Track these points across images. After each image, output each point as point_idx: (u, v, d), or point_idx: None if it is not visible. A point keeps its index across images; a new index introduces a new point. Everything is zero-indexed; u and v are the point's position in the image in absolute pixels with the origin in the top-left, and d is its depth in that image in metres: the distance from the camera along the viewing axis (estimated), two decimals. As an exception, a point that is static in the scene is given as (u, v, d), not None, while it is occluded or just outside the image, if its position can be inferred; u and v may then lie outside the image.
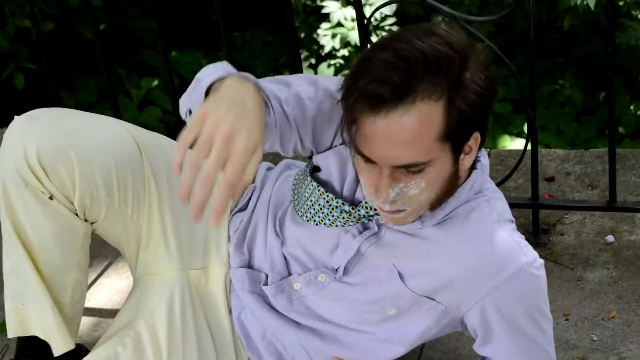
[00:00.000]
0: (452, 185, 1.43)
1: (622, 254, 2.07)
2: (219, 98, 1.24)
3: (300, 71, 2.11)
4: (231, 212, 1.73)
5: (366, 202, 1.52)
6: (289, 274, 1.66)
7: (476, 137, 1.38)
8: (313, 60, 4.95)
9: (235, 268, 1.69)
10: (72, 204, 1.58)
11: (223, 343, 1.70)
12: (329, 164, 1.57)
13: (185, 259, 1.68)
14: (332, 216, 1.56)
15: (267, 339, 1.71)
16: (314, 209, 1.57)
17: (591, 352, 1.83)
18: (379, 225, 1.55)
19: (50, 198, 1.56)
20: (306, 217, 1.60)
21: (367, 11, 2.13)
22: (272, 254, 1.68)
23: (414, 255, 1.53)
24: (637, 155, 2.42)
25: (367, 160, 1.35)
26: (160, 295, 1.65)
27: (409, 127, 1.27)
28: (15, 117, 1.59)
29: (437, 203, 1.44)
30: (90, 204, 1.59)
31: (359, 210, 1.53)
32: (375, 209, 1.50)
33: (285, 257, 1.67)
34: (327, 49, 4.70)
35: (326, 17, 4.68)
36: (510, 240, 1.50)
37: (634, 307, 1.92)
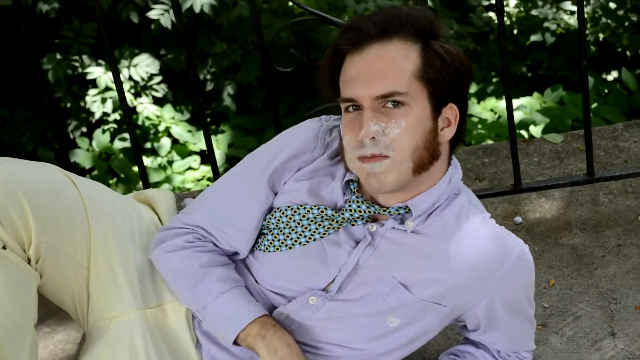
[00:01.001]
0: (432, 149, 1.44)
1: (534, 230, 2.17)
2: None
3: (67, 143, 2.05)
4: None
5: (349, 205, 1.50)
6: (274, 307, 1.59)
7: (453, 109, 1.46)
8: (84, 129, 4.79)
9: None
10: (24, 251, 1.45)
11: None
12: (295, 194, 1.56)
13: (139, 299, 1.59)
14: (309, 230, 1.53)
15: None
16: (284, 233, 1.55)
17: (548, 317, 1.88)
18: (372, 234, 1.52)
19: (4, 247, 1.41)
20: (274, 246, 1.57)
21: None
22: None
23: (413, 265, 1.52)
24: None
25: (350, 103, 1.43)
26: (120, 339, 1.55)
27: (387, 56, 1.41)
28: None
29: (419, 166, 1.44)
30: (44, 251, 1.46)
31: (343, 214, 1.52)
32: (360, 209, 1.49)
33: (262, 293, 1.61)
34: (97, 115, 4.57)
35: (92, 83, 4.57)
36: (501, 233, 1.56)
37: (567, 272, 2.01)
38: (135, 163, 2.28)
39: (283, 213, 1.56)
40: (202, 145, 4.73)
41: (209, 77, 4.95)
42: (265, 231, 1.60)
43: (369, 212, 1.51)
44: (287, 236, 1.56)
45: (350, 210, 1.51)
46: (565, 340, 1.85)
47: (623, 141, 2.41)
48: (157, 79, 4.68)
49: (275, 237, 1.57)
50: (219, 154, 4.64)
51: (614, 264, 2.03)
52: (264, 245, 1.59)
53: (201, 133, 4.84)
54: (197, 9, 4.25)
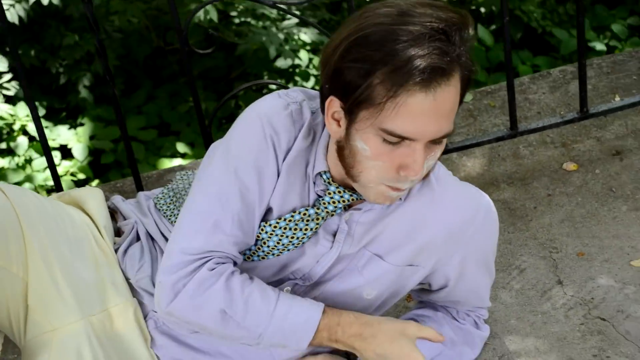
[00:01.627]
0: None
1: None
2: None
3: None
4: (116, 250, 1.58)
5: (330, 197, 1.43)
6: None
7: None
8: None
9: None
10: None
11: None
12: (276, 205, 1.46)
13: (83, 307, 1.50)
14: (296, 238, 1.46)
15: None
16: (270, 245, 1.47)
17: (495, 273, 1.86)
18: (348, 222, 1.47)
19: None
20: (258, 256, 1.50)
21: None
22: None
23: (387, 234, 1.50)
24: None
25: (397, 138, 1.27)
26: (65, 352, 1.46)
27: (452, 98, 1.27)
28: None
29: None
30: None
31: (326, 207, 1.44)
32: (343, 199, 1.43)
33: None
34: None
35: None
36: (468, 187, 1.55)
37: (502, 227, 1.96)
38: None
39: (273, 226, 1.47)
40: (62, 141, 4.48)
41: (61, 70, 4.71)
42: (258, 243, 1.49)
43: (352, 199, 1.43)
44: (275, 246, 1.48)
45: (333, 202, 1.43)
46: (515, 294, 1.83)
47: (532, 93, 2.41)
48: (7, 76, 4.35)
49: (269, 248, 1.49)
50: (81, 147, 4.40)
51: (547, 214, 2.02)
52: (258, 255, 1.50)
53: (59, 128, 4.57)
54: (45, 1, 3.97)
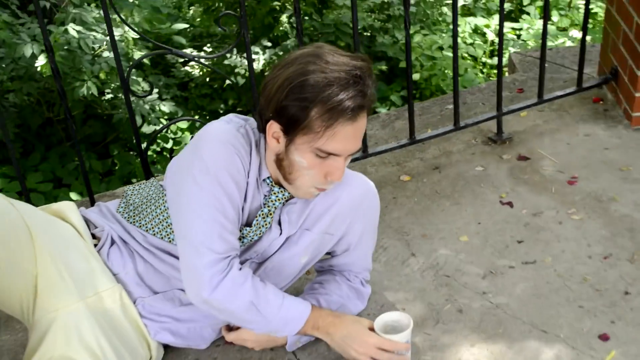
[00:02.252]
0: None
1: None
2: None
3: None
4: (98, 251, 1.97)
5: (276, 196, 1.92)
6: None
7: None
8: None
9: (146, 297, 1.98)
10: None
11: (130, 346, 1.92)
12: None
13: (80, 290, 1.85)
14: (259, 232, 1.95)
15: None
16: (244, 242, 1.94)
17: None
18: (287, 212, 1.96)
19: None
20: None
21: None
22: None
23: (312, 214, 2.00)
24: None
25: (328, 155, 1.77)
26: (67, 325, 1.80)
27: (365, 124, 1.80)
28: None
29: None
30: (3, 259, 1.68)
31: (274, 204, 1.93)
32: (285, 197, 1.93)
33: None
34: None
35: None
36: (358, 173, 2.10)
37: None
38: None
39: (248, 230, 1.94)
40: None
41: None
42: None
43: (290, 195, 1.93)
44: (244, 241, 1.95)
45: (278, 200, 1.92)
46: (383, 265, 2.42)
47: (369, 130, 3.10)
48: None
49: (242, 243, 1.95)
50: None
51: (395, 211, 2.67)
52: None
53: None
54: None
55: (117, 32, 4.47)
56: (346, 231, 2.07)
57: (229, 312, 1.85)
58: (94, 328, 1.83)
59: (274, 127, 1.79)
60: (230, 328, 2.07)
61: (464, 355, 2.06)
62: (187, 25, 5.79)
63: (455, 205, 2.71)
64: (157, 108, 4.76)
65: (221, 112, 5.67)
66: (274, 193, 1.93)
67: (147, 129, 4.89)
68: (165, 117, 4.93)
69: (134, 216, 2.00)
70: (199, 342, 2.08)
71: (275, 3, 5.61)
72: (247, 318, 1.87)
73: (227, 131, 1.82)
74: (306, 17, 5.59)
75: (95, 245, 1.96)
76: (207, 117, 5.60)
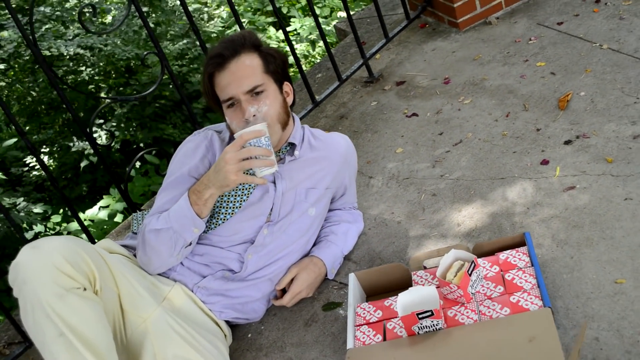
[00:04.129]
0: (286, 112, 2.17)
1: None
2: None
3: None
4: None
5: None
6: (243, 253, 2.20)
7: (288, 86, 2.20)
8: None
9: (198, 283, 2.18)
10: (93, 287, 1.85)
11: (208, 328, 2.14)
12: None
13: (155, 297, 2.07)
14: (243, 194, 2.16)
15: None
16: (223, 207, 2.16)
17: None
18: (279, 172, 2.19)
19: (84, 289, 1.79)
20: (221, 219, 2.16)
21: None
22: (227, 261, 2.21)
23: (310, 172, 2.26)
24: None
25: (228, 101, 2.04)
26: (161, 328, 2.02)
27: (245, 66, 2.05)
28: (21, 251, 1.79)
29: (284, 123, 2.16)
30: (101, 284, 1.87)
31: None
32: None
33: (229, 251, 2.19)
34: None
35: None
36: (336, 133, 2.41)
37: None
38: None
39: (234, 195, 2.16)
40: None
41: None
42: (216, 212, 2.15)
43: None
44: (226, 208, 2.15)
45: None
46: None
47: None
48: None
49: (219, 214, 2.15)
50: None
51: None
52: (214, 224, 2.15)
53: None
54: None
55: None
56: (341, 181, 2.37)
57: (151, 249, 2.08)
58: (180, 323, 2.01)
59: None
60: (281, 294, 2.29)
61: (459, 219, 2.41)
62: (16, 139, 5.74)
63: (376, 134, 3.07)
64: (32, 212, 4.73)
65: (84, 193, 5.66)
66: None
67: (29, 234, 4.82)
68: (39, 217, 4.90)
69: None
70: (254, 316, 2.26)
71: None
72: (159, 241, 2.06)
73: (195, 140, 2.24)
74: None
75: None
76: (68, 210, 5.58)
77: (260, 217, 2.18)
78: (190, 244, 2.08)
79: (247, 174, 2.01)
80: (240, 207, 2.15)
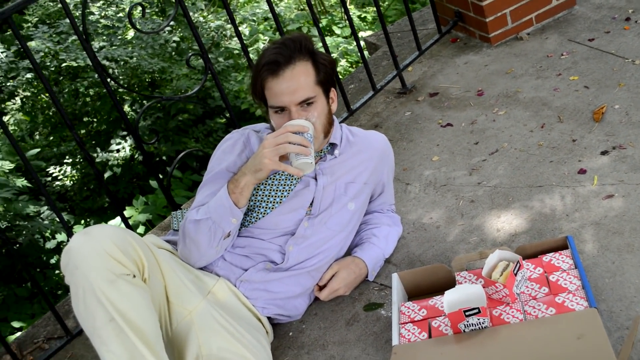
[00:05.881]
0: (329, 120, 2.22)
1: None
2: None
3: None
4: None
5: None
6: (284, 245, 2.24)
7: (333, 92, 2.26)
8: None
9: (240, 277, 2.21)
10: (142, 275, 1.88)
11: (251, 323, 2.17)
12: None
13: (200, 290, 2.11)
14: (286, 188, 2.21)
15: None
16: (265, 201, 2.20)
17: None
18: (321, 169, 2.25)
19: (133, 276, 1.83)
20: (262, 214, 2.21)
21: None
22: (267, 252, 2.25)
23: (350, 168, 2.31)
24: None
25: (279, 109, 2.09)
26: (205, 320, 2.05)
27: (299, 75, 2.07)
28: (73, 237, 1.83)
29: (327, 132, 2.21)
30: (148, 273, 1.91)
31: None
32: None
33: (271, 243, 2.24)
34: None
35: None
36: (374, 131, 2.47)
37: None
38: None
39: (257, 190, 2.20)
40: None
41: None
42: (251, 206, 2.19)
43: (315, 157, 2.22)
44: (267, 202, 2.19)
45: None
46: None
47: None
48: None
49: (259, 208, 2.19)
50: None
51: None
52: (254, 217, 2.20)
53: None
54: None
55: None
56: (379, 177, 2.41)
57: (191, 240, 2.11)
58: (225, 317, 2.05)
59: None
60: (320, 289, 2.31)
61: (498, 224, 2.44)
62: (39, 149, 5.81)
63: (411, 142, 3.11)
64: (55, 221, 4.78)
65: (106, 205, 5.72)
66: None
67: (50, 244, 4.87)
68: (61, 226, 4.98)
69: None
70: (295, 313, 2.29)
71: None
72: (199, 231, 2.09)
73: (233, 136, 2.31)
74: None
75: None
76: (92, 221, 5.63)
77: (299, 210, 2.22)
78: (229, 235, 2.11)
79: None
80: (280, 202, 2.20)
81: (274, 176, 2.21)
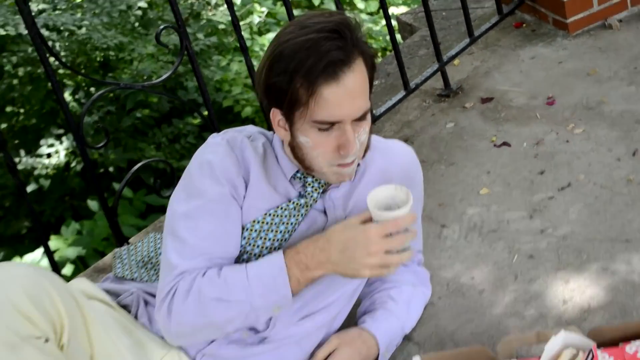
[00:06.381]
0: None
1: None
2: None
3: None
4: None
5: (312, 187, 2.14)
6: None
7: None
8: None
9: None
10: (59, 339, 1.84)
11: None
12: (258, 206, 2.13)
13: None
14: (289, 225, 2.14)
15: None
16: (268, 239, 2.13)
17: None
18: (331, 200, 2.19)
19: (45, 340, 1.77)
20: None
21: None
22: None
23: (362, 196, 2.18)
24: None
25: (326, 125, 1.99)
26: None
27: (359, 80, 1.98)
28: None
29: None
30: (69, 336, 1.86)
31: (312, 195, 2.15)
32: (322, 185, 2.14)
33: None
34: None
35: None
36: (398, 141, 2.40)
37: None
38: None
39: (255, 224, 2.13)
40: None
41: None
42: (248, 249, 2.13)
43: (326, 185, 2.16)
44: (264, 246, 2.13)
45: (315, 190, 2.14)
46: (420, 249, 2.69)
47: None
48: None
49: (251, 251, 2.13)
50: None
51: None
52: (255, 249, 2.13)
53: None
54: None
55: None
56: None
57: (206, 324, 2.02)
58: None
59: (276, 115, 2.05)
60: None
61: (566, 293, 2.37)
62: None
63: (452, 166, 3.05)
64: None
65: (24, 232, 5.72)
66: (309, 184, 2.14)
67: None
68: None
69: (147, 271, 2.22)
70: None
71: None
72: (229, 315, 2.01)
73: (211, 145, 2.18)
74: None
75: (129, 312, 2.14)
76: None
77: None
78: None
79: None
80: (280, 246, 2.13)
81: (275, 211, 2.13)
